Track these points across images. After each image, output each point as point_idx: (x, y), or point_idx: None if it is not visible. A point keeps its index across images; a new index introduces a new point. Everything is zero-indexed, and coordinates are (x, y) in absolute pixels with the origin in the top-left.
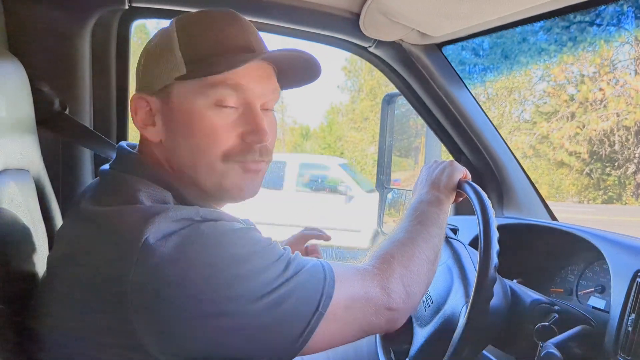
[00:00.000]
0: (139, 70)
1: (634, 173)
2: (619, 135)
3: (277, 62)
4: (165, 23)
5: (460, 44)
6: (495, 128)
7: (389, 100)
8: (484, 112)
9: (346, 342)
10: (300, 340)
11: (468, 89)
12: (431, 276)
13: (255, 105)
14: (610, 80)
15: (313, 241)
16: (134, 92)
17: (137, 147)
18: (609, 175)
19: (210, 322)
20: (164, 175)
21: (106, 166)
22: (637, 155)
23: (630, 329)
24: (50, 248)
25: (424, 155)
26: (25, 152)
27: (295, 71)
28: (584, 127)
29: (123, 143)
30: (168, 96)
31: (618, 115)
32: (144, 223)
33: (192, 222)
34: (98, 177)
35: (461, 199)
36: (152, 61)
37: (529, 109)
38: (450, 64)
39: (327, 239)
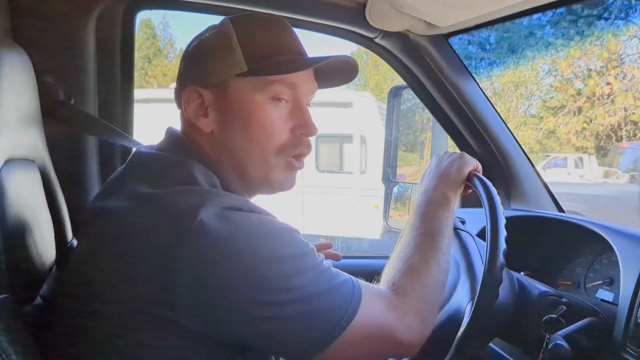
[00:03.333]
0: (187, 63)
1: None
2: (626, 130)
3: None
4: (170, 14)
5: (466, 38)
6: (503, 120)
7: (395, 92)
8: (492, 104)
9: None
10: (316, 347)
11: (475, 81)
12: (443, 296)
13: (304, 102)
14: (617, 74)
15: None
16: (187, 85)
17: (180, 134)
18: None
19: (244, 307)
20: (211, 161)
21: (146, 148)
22: None
23: (639, 321)
24: (56, 237)
25: (430, 150)
26: (30, 142)
27: (335, 72)
28: (591, 122)
29: (172, 127)
30: (224, 90)
31: (625, 110)
32: (200, 205)
33: (243, 210)
34: (131, 159)
35: (470, 190)
36: (209, 56)
37: (535, 103)
38: (457, 55)
39: (337, 258)
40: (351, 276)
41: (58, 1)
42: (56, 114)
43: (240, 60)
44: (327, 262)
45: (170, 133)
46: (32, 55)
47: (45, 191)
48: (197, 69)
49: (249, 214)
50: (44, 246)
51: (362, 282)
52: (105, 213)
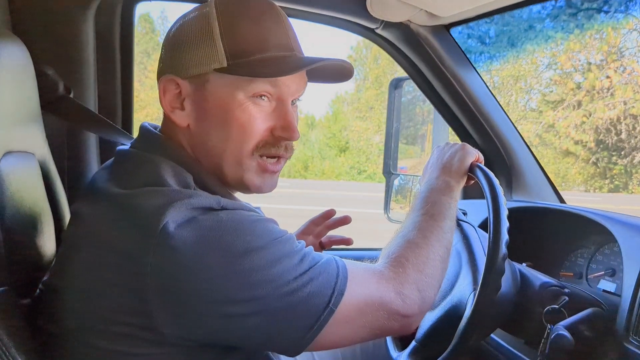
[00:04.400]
0: (168, 50)
1: None
2: (625, 124)
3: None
4: (169, 8)
5: (466, 32)
6: (505, 111)
7: (396, 84)
8: (493, 96)
9: (354, 344)
10: (308, 335)
11: (477, 72)
12: (444, 274)
13: (288, 102)
14: (617, 68)
15: (331, 234)
16: (166, 74)
17: (160, 128)
18: (615, 164)
19: (222, 307)
20: (187, 158)
21: (125, 146)
22: None
23: None
24: (56, 230)
25: (431, 142)
26: (29, 135)
27: (328, 72)
28: (590, 115)
29: (146, 123)
30: (203, 84)
31: (625, 104)
32: (165, 207)
33: (211, 209)
34: (113, 157)
35: (472, 182)
36: (188, 45)
37: (535, 97)
38: (459, 46)
39: (347, 221)
40: (334, 256)
41: None
42: (56, 107)
43: (220, 54)
44: (309, 247)
45: (143, 129)
46: (32, 48)
47: (45, 184)
48: (177, 57)
49: (218, 212)
50: (44, 238)
51: (348, 261)
52: (78, 216)
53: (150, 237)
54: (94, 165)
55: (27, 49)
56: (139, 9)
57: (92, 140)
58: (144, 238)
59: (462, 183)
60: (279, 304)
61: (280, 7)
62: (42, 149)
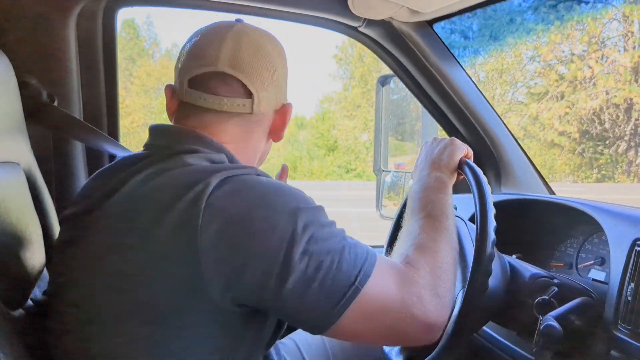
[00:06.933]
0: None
1: (626, 150)
2: (608, 113)
3: None
4: (154, 13)
5: (449, 27)
6: (491, 105)
7: (383, 81)
8: (478, 89)
9: (372, 343)
10: (334, 310)
11: (462, 66)
12: (456, 278)
13: None
14: (599, 57)
15: None
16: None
17: None
18: (601, 154)
19: (265, 263)
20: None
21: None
22: (627, 132)
23: (630, 298)
24: (45, 239)
25: (421, 137)
26: (14, 145)
27: None
28: (573, 106)
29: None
30: None
31: (607, 93)
32: (211, 174)
33: (250, 174)
34: (132, 155)
35: (462, 177)
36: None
37: (520, 90)
38: (442, 41)
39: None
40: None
41: (37, 1)
42: (40, 117)
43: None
44: None
45: (162, 128)
46: (13, 57)
47: (32, 194)
48: None
49: (258, 176)
50: (33, 249)
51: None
52: (76, 216)
53: (199, 201)
54: (81, 173)
55: (7, 59)
56: (123, 15)
57: (78, 149)
58: (193, 203)
59: (454, 178)
60: (321, 263)
61: (262, 8)
62: (27, 158)
